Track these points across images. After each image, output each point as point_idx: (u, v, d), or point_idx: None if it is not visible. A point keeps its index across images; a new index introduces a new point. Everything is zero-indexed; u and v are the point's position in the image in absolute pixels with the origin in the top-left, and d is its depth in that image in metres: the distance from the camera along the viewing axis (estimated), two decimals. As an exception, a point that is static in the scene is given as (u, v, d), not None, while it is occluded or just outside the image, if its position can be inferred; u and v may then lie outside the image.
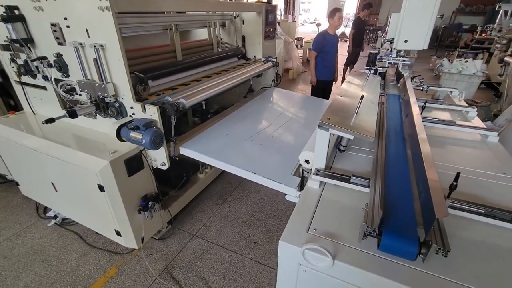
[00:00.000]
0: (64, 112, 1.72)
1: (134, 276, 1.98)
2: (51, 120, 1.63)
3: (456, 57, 7.03)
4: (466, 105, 2.45)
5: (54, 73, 1.99)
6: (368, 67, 2.85)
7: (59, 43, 1.81)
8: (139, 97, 1.89)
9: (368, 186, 1.23)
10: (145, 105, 1.75)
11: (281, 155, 1.90)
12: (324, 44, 4.08)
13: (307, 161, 1.47)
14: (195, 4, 2.23)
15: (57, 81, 1.99)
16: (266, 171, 1.69)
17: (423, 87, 2.63)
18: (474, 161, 1.58)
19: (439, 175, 1.42)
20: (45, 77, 2.04)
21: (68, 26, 1.72)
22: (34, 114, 2.42)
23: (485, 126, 1.97)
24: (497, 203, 1.22)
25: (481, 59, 6.81)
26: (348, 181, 1.29)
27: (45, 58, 1.95)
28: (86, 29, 1.66)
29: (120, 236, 2.00)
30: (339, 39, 4.31)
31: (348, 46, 6.51)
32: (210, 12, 3.09)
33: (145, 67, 2.18)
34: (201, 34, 3.48)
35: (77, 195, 2.03)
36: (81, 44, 1.70)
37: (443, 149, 1.75)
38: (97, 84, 1.75)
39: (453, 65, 5.11)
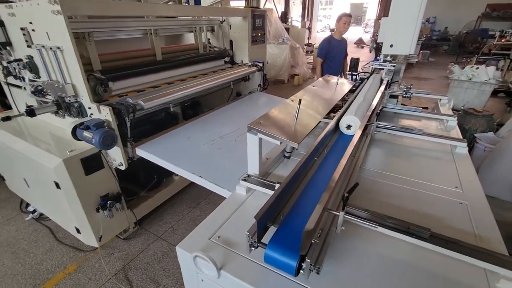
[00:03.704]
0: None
1: (90, 274, 2.01)
2: (7, 118, 1.71)
3: (474, 63, 6.63)
4: (451, 114, 2.29)
5: (28, 74, 2.09)
6: (350, 72, 2.76)
7: (28, 46, 1.91)
8: (100, 98, 1.94)
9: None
10: (100, 106, 1.79)
11: (236, 161, 1.86)
12: (329, 50, 3.94)
13: (348, 127, 1.57)
14: (147, 9, 2.22)
15: (32, 82, 2.10)
16: (214, 176, 1.66)
17: (406, 94, 2.49)
18: (431, 173, 1.47)
19: (387, 186, 1.35)
20: (22, 78, 2.16)
21: (33, 30, 1.81)
22: (19, 113, 2.55)
23: (456, 137, 1.83)
24: (430, 218, 1.12)
25: (502, 66, 6.39)
26: (273, 188, 1.23)
27: (20, 60, 2.06)
28: (47, 33, 1.74)
29: (80, 233, 2.04)
30: (347, 44, 4.14)
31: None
32: (196, 17, 3.15)
33: (112, 68, 2.21)
34: (193, 38, 3.52)
35: (43, 191, 2.11)
36: (43, 46, 1.78)
37: (404, 159, 1.64)
38: (56, 85, 1.82)
39: (463, 72, 4.82)
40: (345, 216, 0.86)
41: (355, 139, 1.36)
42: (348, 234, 1.00)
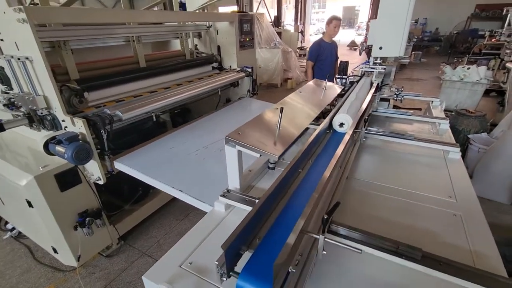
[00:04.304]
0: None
1: (68, 297, 1.89)
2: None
3: (465, 63, 6.63)
4: (443, 116, 2.22)
5: (0, 86, 1.99)
6: (339, 76, 2.69)
7: (-3, 57, 1.81)
8: (75, 110, 1.84)
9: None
10: (74, 118, 1.69)
11: (220, 172, 1.76)
12: (320, 52, 3.94)
13: (341, 124, 1.61)
14: (126, 16, 2.14)
15: (4, 94, 1.99)
16: (196, 189, 1.56)
17: (397, 97, 2.42)
18: (423, 182, 1.39)
19: (376, 197, 1.26)
20: (-7, 91, 2.05)
21: (2, 40, 1.72)
22: (-4, 126, 2.44)
23: (449, 141, 1.75)
24: (423, 233, 1.03)
25: (492, 65, 6.39)
26: (253, 204, 1.14)
27: (-9, 71, 1.96)
28: (15, 42, 1.64)
29: (57, 253, 1.93)
30: (338, 47, 4.12)
31: None
32: (182, 23, 3.07)
33: (91, 77, 2.12)
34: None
35: (18, 209, 1.99)
36: (12, 57, 1.69)
37: (395, 167, 1.56)
38: (26, 97, 1.72)
39: (454, 72, 4.79)
40: (326, 239, 0.77)
41: (341, 146, 1.28)
42: (331, 254, 0.90)
